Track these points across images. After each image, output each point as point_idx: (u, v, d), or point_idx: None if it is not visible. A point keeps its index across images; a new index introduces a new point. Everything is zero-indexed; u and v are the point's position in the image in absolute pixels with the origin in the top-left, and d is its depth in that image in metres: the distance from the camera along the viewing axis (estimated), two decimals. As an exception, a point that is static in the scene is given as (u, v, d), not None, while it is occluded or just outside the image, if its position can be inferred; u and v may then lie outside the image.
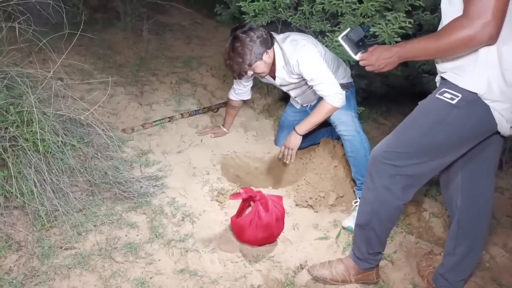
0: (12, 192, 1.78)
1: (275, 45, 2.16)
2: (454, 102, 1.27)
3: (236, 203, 1.91)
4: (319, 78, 2.06)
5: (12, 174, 1.76)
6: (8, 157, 1.80)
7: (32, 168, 1.81)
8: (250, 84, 2.46)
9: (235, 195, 1.74)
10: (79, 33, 2.07)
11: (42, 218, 1.74)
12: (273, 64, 2.20)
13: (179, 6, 4.49)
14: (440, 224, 2.09)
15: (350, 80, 2.34)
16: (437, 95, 1.32)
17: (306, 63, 2.07)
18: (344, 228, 1.93)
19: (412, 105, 1.43)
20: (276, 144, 2.62)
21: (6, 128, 1.86)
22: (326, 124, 2.31)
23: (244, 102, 2.70)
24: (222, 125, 2.63)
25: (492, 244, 1.99)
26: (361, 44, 1.46)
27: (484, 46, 1.20)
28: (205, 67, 3.49)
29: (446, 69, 1.32)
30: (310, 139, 2.50)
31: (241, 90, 2.47)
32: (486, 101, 1.25)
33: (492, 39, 1.17)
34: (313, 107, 2.38)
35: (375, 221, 1.50)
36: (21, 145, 1.83)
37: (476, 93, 1.25)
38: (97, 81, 2.64)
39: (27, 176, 1.81)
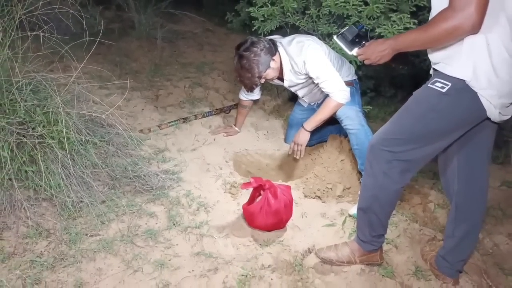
0: (41, 186, 1.93)
1: (280, 49, 2.28)
2: (444, 90, 1.36)
3: (248, 194, 2.03)
4: (324, 76, 2.17)
5: (42, 169, 1.91)
6: (37, 154, 1.95)
7: (59, 164, 1.96)
8: (258, 86, 2.59)
9: (246, 184, 1.86)
10: (98, 40, 2.23)
11: (69, 208, 1.88)
12: (280, 67, 2.32)
13: (191, 15, 4.67)
14: (444, 214, 2.15)
15: (355, 77, 2.45)
16: (429, 85, 1.42)
17: (312, 62, 2.19)
18: (350, 215, 2.03)
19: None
20: (285, 142, 2.74)
21: (34, 128, 2.02)
22: (333, 122, 2.42)
23: (255, 102, 2.83)
24: (234, 125, 2.76)
25: (497, 233, 2.06)
26: (357, 41, 1.58)
27: (468, 35, 1.29)
28: (217, 72, 3.65)
29: (437, 60, 1.42)
30: (318, 136, 2.61)
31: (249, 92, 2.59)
32: (473, 88, 1.33)
33: (475, 29, 1.25)
34: (320, 105, 2.49)
35: (376, 205, 1.59)
36: (48, 143, 1.99)
37: (464, 81, 1.33)
38: (115, 84, 2.80)
39: (54, 171, 1.97)
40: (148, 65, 3.63)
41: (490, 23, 1.28)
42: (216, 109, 3.01)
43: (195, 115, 2.88)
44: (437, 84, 1.39)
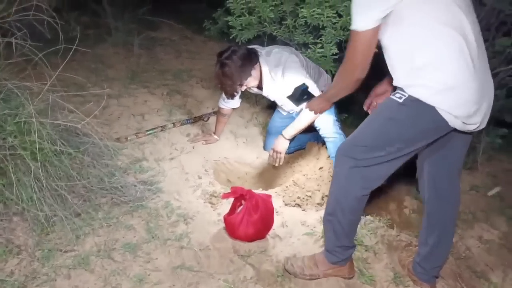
0: (11, 199, 1.85)
1: (261, 59, 2.29)
2: (401, 100, 1.40)
3: (229, 204, 2.01)
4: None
5: (13, 182, 1.83)
6: (7, 166, 1.88)
7: (31, 176, 1.88)
8: (238, 93, 2.58)
9: (226, 194, 1.84)
10: (74, 47, 2.17)
11: (42, 223, 1.81)
12: (260, 76, 2.32)
13: (168, 22, 4.63)
14: (419, 220, 2.17)
15: (332, 87, 2.48)
16: (390, 96, 1.46)
17: (290, 73, 2.21)
18: (330, 223, 2.03)
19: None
20: (264, 149, 2.74)
21: (4, 138, 1.94)
22: (311, 130, 2.43)
23: (234, 110, 2.82)
24: (213, 133, 2.73)
25: (468, 237, 2.12)
26: (304, 98, 1.92)
27: (359, 79, 1.48)
28: (195, 79, 3.62)
29: (396, 82, 1.47)
30: (296, 144, 2.62)
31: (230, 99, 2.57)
32: (429, 103, 1.36)
33: (359, 76, 1.47)
34: (298, 113, 2.50)
35: (338, 210, 1.59)
36: (19, 154, 1.91)
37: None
38: (91, 92, 2.73)
39: (26, 183, 1.89)
40: (124, 72, 3.57)
41: (442, 40, 1.33)
42: (195, 117, 2.98)
43: (173, 123, 2.84)
44: (397, 95, 1.44)
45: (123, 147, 2.52)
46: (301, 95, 1.87)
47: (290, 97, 1.92)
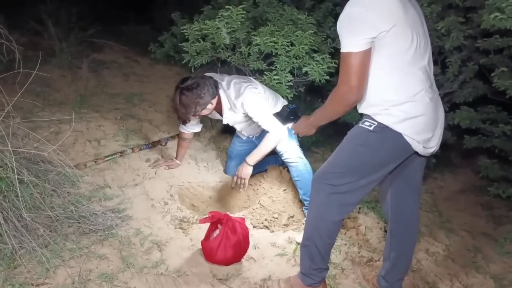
0: (-30, 234, 1.74)
1: (220, 92, 2.37)
2: (371, 128, 1.57)
3: (200, 229, 2.06)
4: (262, 117, 2.32)
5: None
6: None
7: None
8: (191, 121, 2.59)
9: (204, 219, 1.89)
10: (35, 73, 2.11)
11: (8, 256, 1.72)
12: (220, 105, 2.41)
13: (112, 43, 4.56)
14: (374, 236, 2.39)
15: (288, 111, 2.65)
16: (359, 124, 1.62)
17: (250, 104, 2.32)
18: (298, 243, 2.16)
19: (337, 135, 1.72)
20: (225, 173, 2.82)
21: (-42, 168, 1.82)
22: (271, 153, 2.57)
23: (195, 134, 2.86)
24: (175, 158, 2.76)
25: (417, 250, 2.34)
26: (291, 118, 1.84)
27: (354, 102, 1.53)
28: (147, 103, 3.61)
29: (363, 110, 1.64)
30: (257, 167, 2.72)
31: (191, 123, 2.58)
32: (395, 129, 1.54)
33: (356, 99, 1.51)
34: (258, 138, 2.63)
35: (316, 236, 1.68)
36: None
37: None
38: (39, 116, 2.63)
39: (-13, 216, 1.78)
40: (73, 95, 3.46)
41: (409, 79, 1.53)
42: (153, 142, 2.98)
43: (132, 149, 2.82)
44: (366, 123, 1.59)
45: (83, 174, 2.45)
46: (288, 114, 1.84)
47: (276, 115, 1.89)
